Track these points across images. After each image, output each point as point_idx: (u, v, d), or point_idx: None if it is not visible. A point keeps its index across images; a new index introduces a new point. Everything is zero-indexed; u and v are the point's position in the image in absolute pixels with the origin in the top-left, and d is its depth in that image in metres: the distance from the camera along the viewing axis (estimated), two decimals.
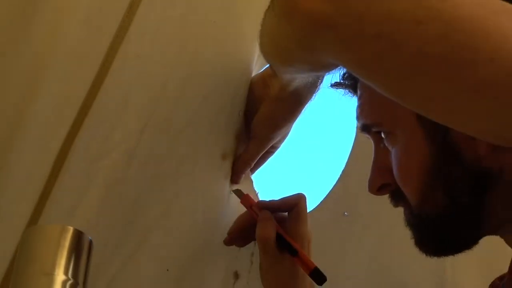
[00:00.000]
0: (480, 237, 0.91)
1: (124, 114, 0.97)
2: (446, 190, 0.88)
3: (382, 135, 0.96)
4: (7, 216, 0.89)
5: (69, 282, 0.72)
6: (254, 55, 1.12)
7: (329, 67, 0.84)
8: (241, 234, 1.13)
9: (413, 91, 0.69)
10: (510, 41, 0.62)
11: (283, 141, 1.19)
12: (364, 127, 0.98)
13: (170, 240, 1.06)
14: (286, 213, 1.13)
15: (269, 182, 1.27)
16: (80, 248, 0.76)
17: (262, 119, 1.13)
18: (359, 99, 0.98)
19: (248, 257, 1.17)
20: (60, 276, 0.72)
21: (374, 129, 0.97)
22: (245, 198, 1.13)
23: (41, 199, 0.91)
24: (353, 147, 1.32)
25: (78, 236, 0.76)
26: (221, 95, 1.08)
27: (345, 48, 0.70)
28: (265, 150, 1.17)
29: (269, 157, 1.21)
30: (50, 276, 0.72)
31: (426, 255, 0.94)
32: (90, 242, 0.78)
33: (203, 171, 1.09)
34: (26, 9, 0.89)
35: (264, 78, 1.12)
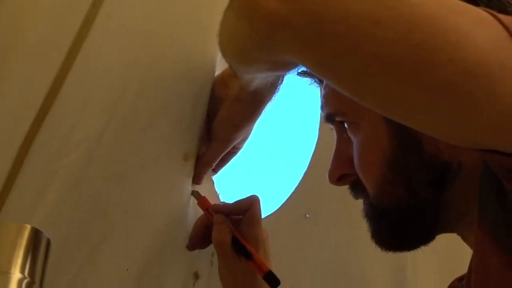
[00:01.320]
0: (437, 233, 0.93)
1: (84, 114, 0.97)
2: (405, 183, 0.90)
3: (345, 125, 0.97)
4: None
5: (26, 281, 0.73)
6: (218, 56, 1.12)
7: (288, 66, 0.84)
8: (201, 237, 1.14)
9: (372, 91, 0.69)
10: (470, 41, 0.62)
11: (245, 142, 1.20)
12: (328, 117, 1.00)
13: (130, 240, 1.06)
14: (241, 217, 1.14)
15: (231, 183, 1.28)
16: (37, 246, 0.77)
17: (222, 120, 1.14)
18: (324, 88, 0.99)
19: (208, 257, 1.18)
20: (16, 275, 0.72)
21: (337, 119, 0.98)
22: (202, 201, 1.14)
23: (0, 197, 0.91)
24: (315, 149, 1.33)
25: (35, 235, 0.77)
26: (183, 96, 1.08)
27: (303, 47, 0.69)
28: (227, 151, 1.18)
29: (231, 158, 1.22)
30: (6, 274, 0.72)
31: (382, 249, 0.96)
32: (48, 241, 0.79)
33: (165, 172, 1.10)
34: None
35: (224, 78, 1.13)
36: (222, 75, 1.12)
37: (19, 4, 0.92)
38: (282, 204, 1.31)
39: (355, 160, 0.94)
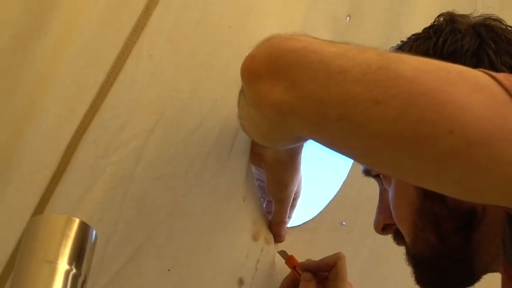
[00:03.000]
0: (480, 274, 0.95)
1: (134, 113, 1.00)
2: (434, 230, 0.93)
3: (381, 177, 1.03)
4: (13, 205, 0.92)
5: (72, 272, 0.75)
6: None
7: (306, 139, 0.88)
8: None
9: (381, 164, 0.73)
10: (466, 112, 0.63)
11: (301, 184, 1.24)
12: (366, 171, 1.06)
13: (174, 242, 1.08)
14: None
15: None
16: (84, 239, 0.79)
17: (272, 184, 1.19)
18: None
19: (254, 264, 1.20)
20: (63, 266, 0.75)
21: (373, 173, 1.05)
22: (289, 260, 1.20)
23: (47, 191, 0.94)
24: None
25: (83, 228, 0.79)
26: (232, 99, 1.09)
27: (312, 130, 0.74)
28: (290, 205, 1.22)
29: (297, 202, 1.26)
30: (53, 264, 0.74)
31: None
32: (95, 235, 0.81)
33: (212, 173, 1.11)
34: (44, 4, 0.92)
35: (255, 151, 1.17)
36: (252, 149, 1.16)
37: (76, 2, 0.94)
38: (321, 211, 1.33)
39: (391, 210, 0.99)
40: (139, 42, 0.98)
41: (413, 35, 1.00)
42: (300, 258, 1.21)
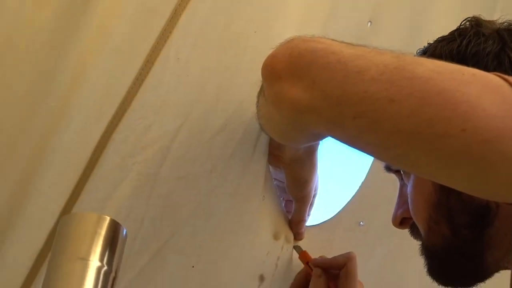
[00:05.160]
0: (491, 271, 0.99)
1: (161, 114, 1.04)
2: (448, 224, 0.97)
3: (402, 172, 1.07)
4: (43, 200, 0.96)
5: (104, 269, 0.78)
6: None
7: (324, 136, 0.92)
8: None
9: (395, 160, 0.77)
10: (478, 111, 0.67)
11: (318, 184, 1.27)
12: (387, 166, 1.10)
13: (197, 239, 1.12)
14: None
15: None
16: (115, 237, 0.81)
17: (291, 183, 1.23)
18: None
19: (274, 261, 1.24)
20: (95, 262, 0.77)
21: (393, 168, 1.09)
22: (303, 255, 1.25)
23: (76, 188, 0.98)
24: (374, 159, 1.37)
25: (114, 226, 0.81)
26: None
27: (329, 128, 0.79)
28: (309, 203, 1.26)
29: (314, 200, 1.30)
30: (85, 261, 0.77)
31: (438, 284, 1.03)
32: (125, 233, 0.84)
33: (235, 173, 1.15)
34: (78, 10, 0.96)
35: (272, 151, 1.20)
36: (270, 151, 1.19)
37: (107, 6, 0.97)
38: (339, 211, 1.37)
39: (409, 203, 1.03)
40: (167, 45, 1.02)
41: (439, 37, 1.03)
42: (318, 256, 1.25)
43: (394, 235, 1.36)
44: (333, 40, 0.81)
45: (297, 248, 1.26)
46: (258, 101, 0.98)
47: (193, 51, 1.05)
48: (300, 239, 1.29)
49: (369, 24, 1.31)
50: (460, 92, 0.67)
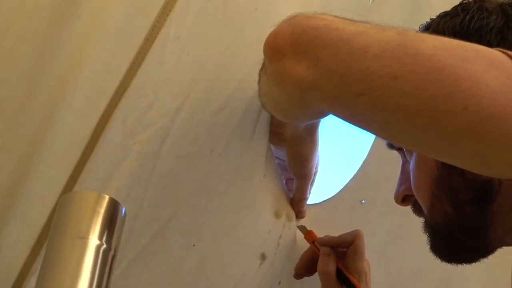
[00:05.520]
0: (494, 247, 0.99)
1: (161, 93, 1.04)
2: (450, 200, 0.97)
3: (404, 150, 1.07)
4: (44, 180, 0.97)
5: (103, 247, 0.79)
6: None
7: (326, 114, 0.91)
8: (307, 268, 1.25)
9: (398, 138, 0.78)
10: (482, 87, 0.66)
11: (319, 161, 1.27)
12: (389, 144, 1.11)
13: (199, 218, 1.13)
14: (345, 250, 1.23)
15: None
16: (114, 216, 0.82)
17: (292, 160, 1.23)
18: None
19: (276, 239, 1.25)
20: (94, 241, 0.78)
21: (396, 145, 1.09)
22: (308, 234, 1.25)
23: (77, 167, 0.99)
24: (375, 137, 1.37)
25: (113, 205, 0.83)
26: (256, 80, 1.12)
27: (333, 105, 0.79)
28: (311, 180, 1.27)
29: (315, 178, 1.30)
30: (84, 239, 0.78)
31: (441, 261, 1.04)
32: (124, 211, 0.84)
33: (236, 152, 1.15)
34: None
35: (273, 130, 1.20)
36: (272, 129, 1.19)
37: None
38: (342, 189, 1.37)
39: (411, 181, 1.03)
40: (167, 24, 1.02)
41: (442, 12, 1.03)
42: (320, 235, 1.25)
43: (396, 213, 1.37)
44: (335, 16, 0.81)
45: (301, 228, 1.27)
46: (259, 79, 0.98)
47: (193, 29, 1.05)
48: (302, 217, 1.30)
49: (371, 0, 1.30)
50: (463, 69, 0.67)
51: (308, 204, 1.30)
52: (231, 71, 1.11)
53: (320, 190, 1.34)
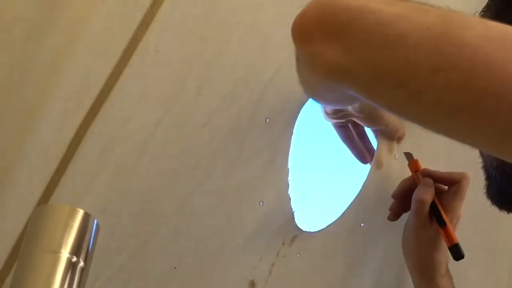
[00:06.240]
0: None
1: (140, 106, 1.03)
2: None
3: None
4: (19, 193, 0.96)
5: (74, 261, 0.77)
6: (285, 61, 1.14)
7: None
8: (403, 197, 1.26)
9: (441, 131, 0.71)
10: None
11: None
12: None
13: (180, 239, 1.11)
14: (446, 187, 1.25)
15: (302, 192, 1.30)
16: (87, 230, 0.81)
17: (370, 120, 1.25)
18: None
19: (267, 267, 1.23)
20: (65, 255, 0.76)
21: None
22: (413, 163, 1.27)
23: (52, 181, 0.98)
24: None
25: (86, 219, 0.81)
26: (241, 98, 1.12)
27: (367, 94, 0.73)
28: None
29: None
30: (56, 254, 0.76)
31: (496, 207, 1.04)
32: (97, 226, 0.83)
33: (220, 173, 1.13)
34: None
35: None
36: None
37: None
38: (344, 212, 1.34)
39: None
40: (146, 36, 1.01)
41: None
42: (322, 263, 1.23)
43: (390, 236, 1.35)
44: None
45: (408, 155, 1.28)
46: (296, 67, 0.89)
47: (173, 43, 1.04)
48: (402, 137, 1.33)
49: None
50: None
51: (309, 233, 1.28)
52: (213, 87, 1.09)
53: (319, 217, 1.33)
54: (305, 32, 0.75)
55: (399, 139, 1.32)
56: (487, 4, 0.99)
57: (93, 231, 0.82)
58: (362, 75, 0.70)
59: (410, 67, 0.65)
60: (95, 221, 0.83)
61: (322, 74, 0.75)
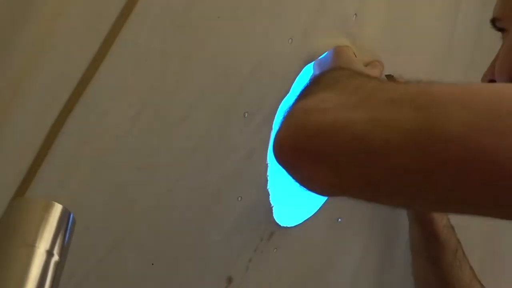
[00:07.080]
0: None
1: (117, 100, 1.02)
2: None
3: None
4: None
5: (49, 255, 0.77)
6: (265, 55, 1.15)
7: None
8: None
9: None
10: None
11: None
12: (492, 21, 1.06)
13: (159, 235, 1.11)
14: None
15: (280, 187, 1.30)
16: (63, 224, 0.81)
17: None
18: None
19: (245, 262, 1.23)
20: (41, 249, 0.77)
21: (497, 24, 1.05)
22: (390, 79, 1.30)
23: (28, 175, 0.97)
24: None
25: (62, 212, 0.81)
26: (220, 92, 1.12)
27: (369, 201, 0.72)
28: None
29: None
30: (31, 247, 0.76)
31: None
32: (73, 220, 0.83)
33: (199, 168, 1.13)
34: None
35: None
36: None
37: None
38: (319, 208, 1.35)
39: (497, 62, 1.02)
40: (124, 29, 1.00)
41: None
42: (297, 255, 1.23)
43: (370, 230, 1.36)
44: (336, 93, 0.72)
45: (389, 76, 1.31)
46: None
47: (152, 35, 1.03)
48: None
49: (354, 17, 1.29)
50: (502, 150, 0.57)
51: (287, 227, 1.28)
52: (192, 81, 1.09)
53: (296, 213, 1.32)
54: (287, 161, 0.73)
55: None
56: None
57: (69, 225, 0.82)
58: (358, 190, 0.69)
59: (401, 175, 0.63)
60: (71, 215, 0.83)
61: (321, 191, 0.74)
